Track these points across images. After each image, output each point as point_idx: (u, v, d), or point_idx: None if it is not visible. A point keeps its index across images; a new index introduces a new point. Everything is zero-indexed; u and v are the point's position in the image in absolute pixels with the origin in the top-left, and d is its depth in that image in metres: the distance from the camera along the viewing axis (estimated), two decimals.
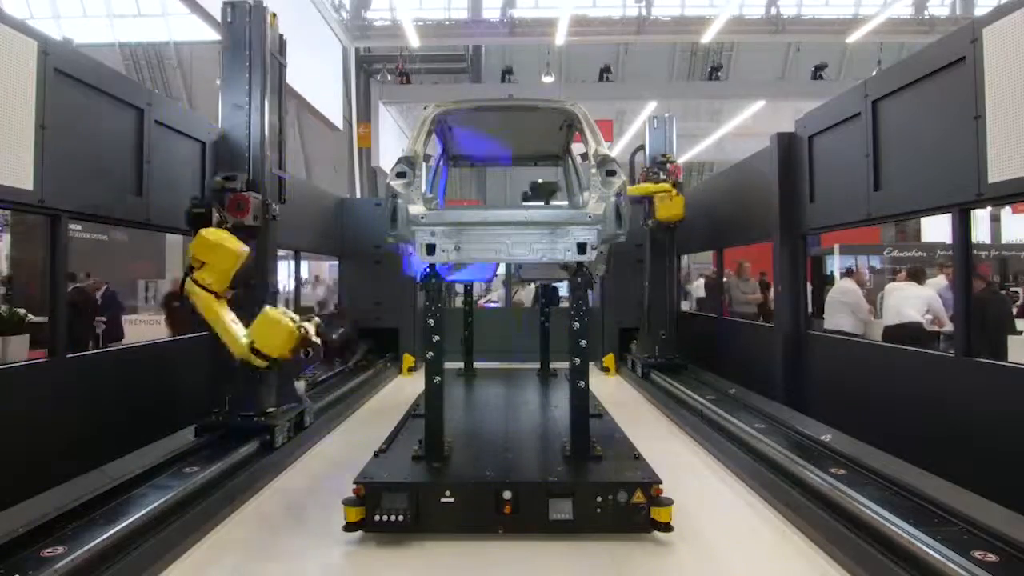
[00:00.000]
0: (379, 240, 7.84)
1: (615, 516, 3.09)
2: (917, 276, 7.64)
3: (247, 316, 3.95)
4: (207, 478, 3.46)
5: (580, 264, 3.60)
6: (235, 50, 4.60)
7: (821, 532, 3.05)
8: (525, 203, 7.39)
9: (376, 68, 17.51)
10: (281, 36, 4.82)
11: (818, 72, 16.76)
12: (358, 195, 15.32)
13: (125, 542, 2.72)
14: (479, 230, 3.50)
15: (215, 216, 4.09)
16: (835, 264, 12.08)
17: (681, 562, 2.97)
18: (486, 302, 13.48)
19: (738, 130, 18.05)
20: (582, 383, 3.59)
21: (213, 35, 11.43)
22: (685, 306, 10.82)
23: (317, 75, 13.58)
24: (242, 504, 3.60)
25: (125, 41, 21.90)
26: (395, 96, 17.03)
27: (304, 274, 15.81)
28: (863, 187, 4.61)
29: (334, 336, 6.11)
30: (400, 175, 3.59)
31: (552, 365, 6.71)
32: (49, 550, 2.50)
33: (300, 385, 5.02)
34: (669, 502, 3.08)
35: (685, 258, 9.64)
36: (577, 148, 4.95)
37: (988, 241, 15.68)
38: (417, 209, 3.48)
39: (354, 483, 3.12)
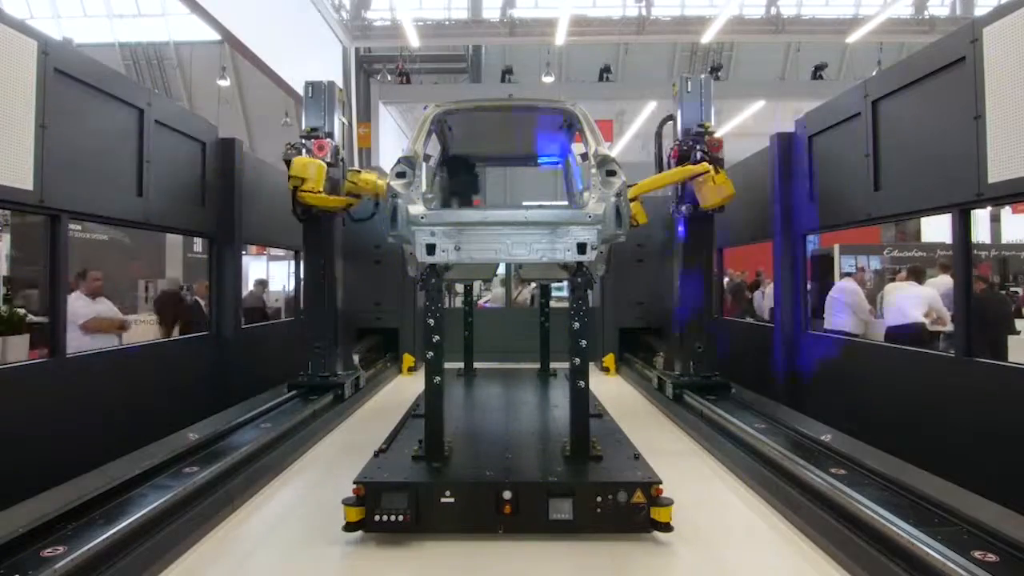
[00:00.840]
0: (379, 240, 7.84)
1: (615, 516, 3.09)
2: (917, 275, 7.63)
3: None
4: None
5: (580, 264, 3.60)
6: (316, 107, 6.19)
7: (821, 532, 3.05)
8: (525, 203, 7.32)
9: (376, 68, 17.51)
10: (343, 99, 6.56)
11: (818, 72, 16.77)
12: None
13: (125, 542, 2.72)
14: (479, 230, 3.50)
15: (304, 153, 5.60)
16: (835, 264, 12.09)
17: (681, 562, 2.97)
18: (485, 302, 13.48)
19: (738, 130, 18.04)
20: (582, 383, 3.58)
21: (213, 35, 11.44)
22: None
23: (317, 75, 13.57)
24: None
25: (125, 41, 21.91)
26: (395, 96, 17.03)
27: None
28: (863, 187, 4.61)
29: None
30: (400, 175, 3.59)
31: (552, 365, 6.71)
32: (49, 550, 2.50)
33: (356, 357, 6.92)
34: (669, 502, 3.08)
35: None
36: (577, 148, 4.95)
37: (988, 241, 15.69)
38: (417, 209, 3.48)
39: (354, 483, 3.12)
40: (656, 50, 21.12)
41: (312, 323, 6.15)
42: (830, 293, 7.76)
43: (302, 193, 5.47)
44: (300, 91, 12.58)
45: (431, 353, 3.60)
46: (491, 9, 17.49)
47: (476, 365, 6.92)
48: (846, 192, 4.90)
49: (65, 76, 3.82)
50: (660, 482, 3.12)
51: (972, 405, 3.62)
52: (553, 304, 7.47)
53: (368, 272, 8.45)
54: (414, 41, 14.72)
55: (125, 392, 4.35)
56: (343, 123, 6.44)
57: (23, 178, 3.47)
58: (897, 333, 6.96)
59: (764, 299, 10.69)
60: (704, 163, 5.54)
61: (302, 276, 6.99)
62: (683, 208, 5.88)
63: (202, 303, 8.37)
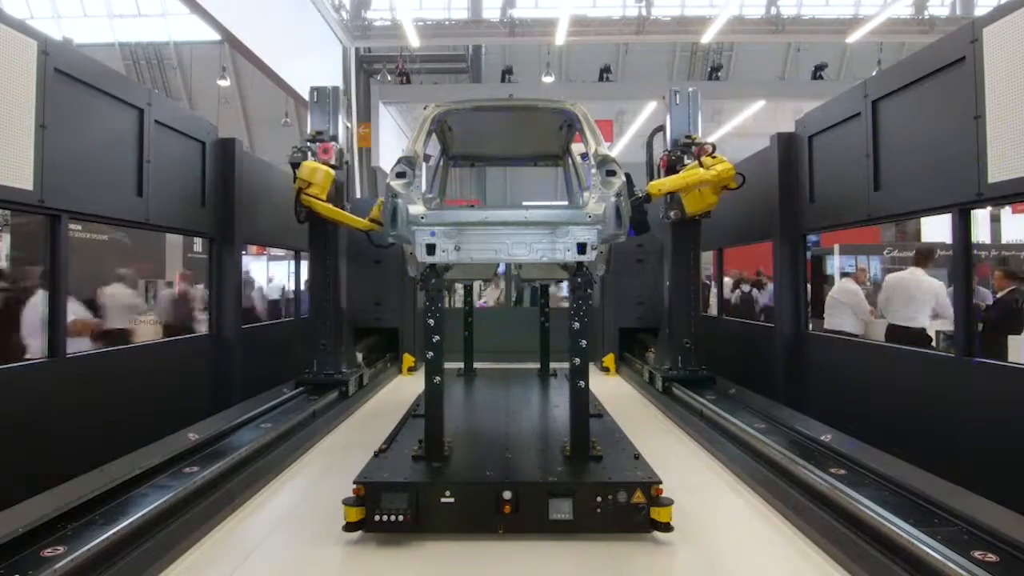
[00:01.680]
0: (379, 240, 7.85)
1: (615, 516, 3.09)
2: (923, 260, 7.01)
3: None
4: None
5: (580, 264, 3.60)
6: (321, 111, 6.42)
7: (821, 532, 3.05)
8: (525, 203, 7.31)
9: (376, 68, 17.50)
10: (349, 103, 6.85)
11: (818, 72, 16.76)
12: (358, 195, 15.32)
13: (125, 542, 2.72)
14: (479, 230, 3.50)
15: (310, 157, 5.85)
16: (835, 264, 12.08)
17: (681, 562, 2.97)
18: (483, 303, 13.48)
19: (738, 130, 18.04)
20: (582, 383, 3.58)
21: (213, 35, 11.44)
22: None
23: (317, 75, 13.58)
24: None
25: (125, 41, 21.92)
26: (395, 96, 17.00)
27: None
28: (863, 187, 4.61)
29: None
30: (400, 175, 3.59)
31: (552, 365, 6.71)
32: (49, 550, 2.50)
33: (359, 356, 7.21)
34: (669, 502, 3.08)
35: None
36: (577, 148, 4.95)
37: (988, 241, 15.68)
38: (417, 209, 3.48)
39: (354, 483, 3.12)
40: (656, 50, 21.12)
41: (317, 322, 6.33)
42: (830, 293, 7.73)
43: (305, 196, 5.69)
44: (300, 91, 12.63)
45: (431, 353, 3.60)
46: (491, 9, 17.48)
47: (476, 365, 6.92)
48: (846, 192, 4.90)
49: (65, 76, 3.82)
50: (660, 482, 3.12)
51: (972, 405, 3.62)
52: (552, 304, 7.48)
53: (368, 272, 8.45)
54: (414, 41, 14.71)
55: (125, 392, 4.35)
56: (347, 127, 6.64)
57: (23, 178, 3.47)
58: (900, 334, 6.82)
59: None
60: (724, 164, 5.55)
61: (306, 276, 7.10)
62: (672, 214, 6.26)
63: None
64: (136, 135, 4.59)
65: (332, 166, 5.91)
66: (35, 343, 5.28)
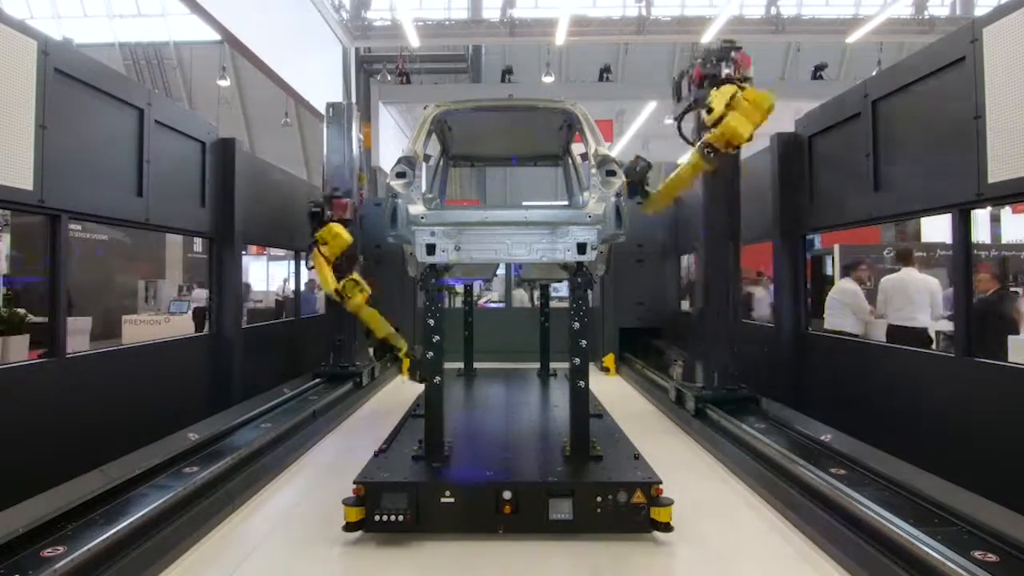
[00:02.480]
0: (379, 240, 7.84)
1: (615, 516, 3.09)
2: (908, 259, 7.16)
3: (340, 276, 5.97)
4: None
5: (580, 264, 3.60)
6: (337, 125, 7.03)
7: (821, 532, 3.05)
8: (525, 203, 7.33)
9: (376, 68, 17.49)
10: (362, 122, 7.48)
11: (818, 72, 16.75)
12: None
13: (125, 542, 2.72)
14: (479, 230, 3.50)
15: (326, 212, 6.26)
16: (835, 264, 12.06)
17: (681, 562, 2.97)
18: (486, 302, 13.48)
19: None
20: (582, 383, 3.58)
21: (213, 35, 11.43)
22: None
23: (317, 75, 13.58)
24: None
25: (125, 41, 21.91)
26: (395, 96, 17.01)
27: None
28: (863, 187, 4.61)
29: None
30: (400, 175, 3.59)
31: (552, 365, 6.71)
32: (49, 550, 2.50)
33: (370, 351, 7.30)
34: (669, 502, 3.08)
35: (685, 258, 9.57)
36: (577, 148, 4.94)
37: (988, 241, 15.67)
38: (417, 209, 3.48)
39: (354, 483, 3.12)
40: (656, 50, 21.10)
41: (333, 319, 7.00)
42: (830, 293, 7.72)
43: (317, 251, 6.05)
44: (300, 91, 12.62)
45: (431, 353, 3.60)
46: (491, 9, 17.47)
47: (476, 365, 6.92)
48: (846, 192, 4.90)
49: (65, 76, 3.82)
50: (660, 482, 3.12)
51: (972, 405, 3.62)
52: (553, 304, 7.48)
53: (368, 272, 8.45)
54: (414, 41, 14.71)
55: (125, 392, 4.34)
56: (359, 139, 7.23)
57: (23, 178, 3.47)
58: (900, 334, 6.86)
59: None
60: (728, 86, 4.37)
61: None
62: (709, 153, 4.30)
63: None
64: (136, 135, 4.58)
65: (345, 221, 6.44)
66: None
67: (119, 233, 12.25)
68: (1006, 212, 16.02)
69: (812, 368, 5.40)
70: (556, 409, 4.88)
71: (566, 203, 5.59)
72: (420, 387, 4.04)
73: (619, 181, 3.58)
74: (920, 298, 6.85)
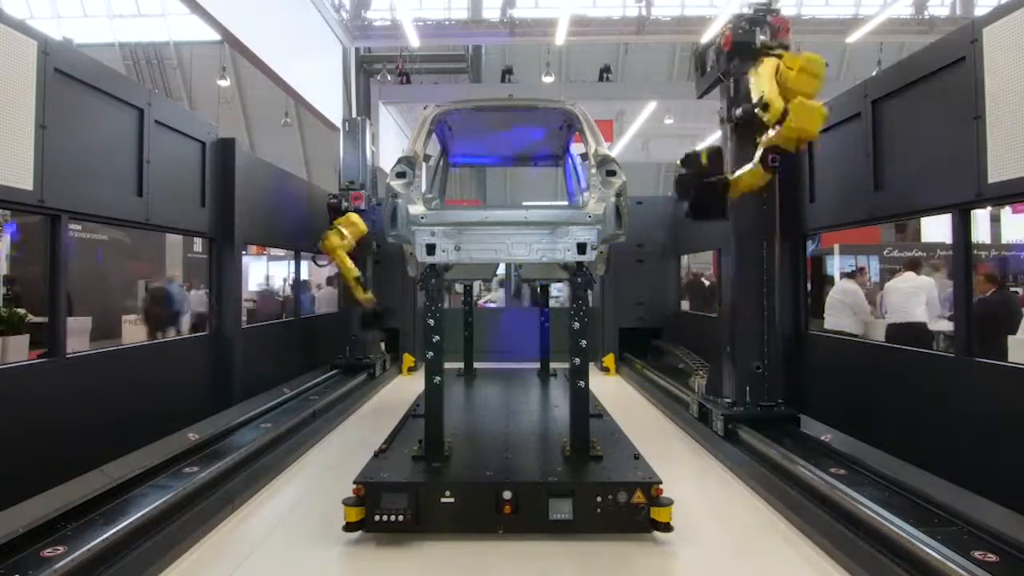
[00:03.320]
0: (379, 240, 7.84)
1: (615, 516, 3.09)
2: (915, 266, 7.49)
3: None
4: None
5: (580, 264, 3.60)
6: (352, 138, 7.96)
7: (821, 532, 3.05)
8: (525, 203, 7.36)
9: (376, 68, 17.48)
10: (373, 133, 8.42)
11: None
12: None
13: (125, 542, 2.72)
14: (479, 230, 3.50)
15: (343, 204, 7.31)
16: (835, 264, 12.07)
17: (681, 562, 2.97)
18: (485, 302, 13.48)
19: None
20: (582, 383, 3.58)
21: (213, 35, 11.43)
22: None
23: (317, 75, 13.57)
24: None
25: (125, 41, 21.90)
26: (395, 96, 17.00)
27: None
28: (863, 187, 4.61)
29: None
30: (400, 175, 3.59)
31: (552, 365, 6.72)
32: (49, 550, 2.50)
33: (381, 345, 8.51)
34: (669, 502, 3.08)
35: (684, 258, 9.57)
36: (577, 148, 4.95)
37: (988, 241, 15.67)
38: (417, 209, 3.48)
39: (354, 483, 3.12)
40: (656, 50, 21.09)
41: (349, 316, 7.64)
42: (830, 294, 7.73)
43: (331, 237, 6.89)
44: (300, 91, 12.60)
45: (431, 353, 3.60)
46: (491, 9, 17.46)
47: (476, 365, 6.92)
48: (846, 192, 4.90)
49: (65, 76, 3.82)
50: (660, 482, 3.12)
51: (972, 405, 3.62)
52: (553, 304, 7.49)
53: (368, 272, 8.45)
54: (414, 41, 14.70)
55: (125, 392, 4.34)
56: (373, 151, 8.05)
57: (23, 178, 3.47)
58: (898, 332, 6.91)
59: None
60: (772, 59, 3.92)
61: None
62: (757, 111, 3.85)
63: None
64: (136, 135, 4.58)
65: (361, 211, 7.34)
66: None
67: (119, 233, 12.24)
68: (1006, 212, 16.02)
69: (812, 368, 5.40)
70: (556, 409, 4.88)
71: (566, 203, 5.59)
72: (420, 387, 4.03)
73: (619, 181, 3.58)
74: (916, 295, 7.00)
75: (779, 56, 3.87)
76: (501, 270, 9.42)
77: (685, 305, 10.99)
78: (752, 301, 4.76)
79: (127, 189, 4.51)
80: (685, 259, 9.33)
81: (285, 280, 14.74)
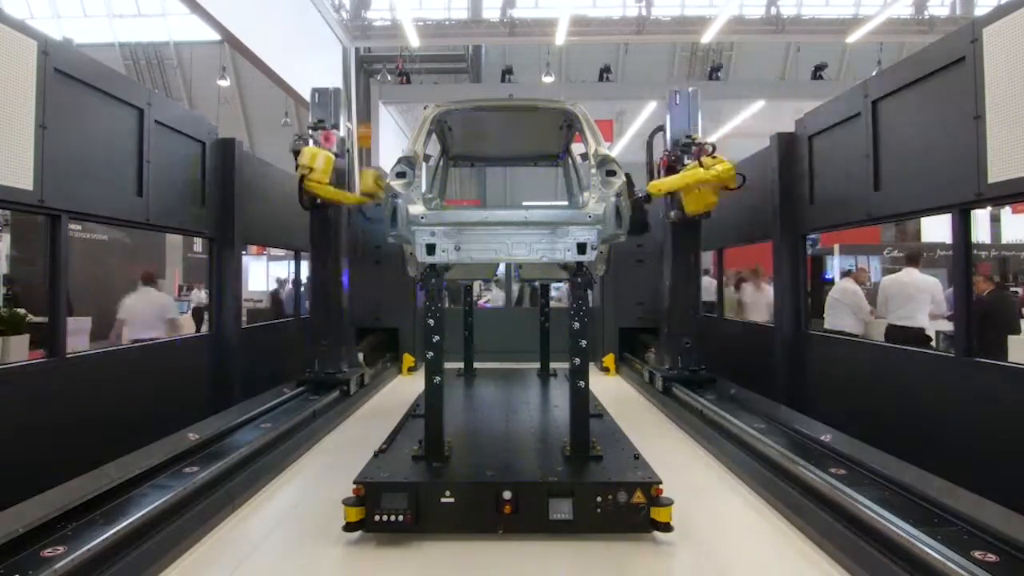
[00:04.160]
0: (379, 240, 7.84)
1: (615, 516, 3.09)
2: (915, 260, 7.30)
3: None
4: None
5: (580, 264, 3.60)
6: (323, 107, 6.53)
7: (821, 532, 3.05)
8: (525, 203, 7.36)
9: (376, 68, 17.50)
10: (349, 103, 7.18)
11: (818, 72, 16.75)
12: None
13: (125, 542, 2.72)
14: (479, 230, 3.50)
15: (311, 143, 5.92)
16: (835, 264, 12.08)
17: (681, 562, 2.97)
18: (484, 302, 13.48)
19: (738, 130, 18.02)
20: (582, 383, 3.58)
21: (213, 35, 11.44)
22: None
23: (317, 75, 13.58)
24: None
25: (125, 41, 21.91)
26: (395, 96, 17.00)
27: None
28: (863, 187, 4.61)
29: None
30: (400, 175, 3.59)
31: (552, 365, 6.71)
32: (49, 550, 2.50)
33: (360, 355, 7.14)
34: (669, 502, 3.08)
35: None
36: (577, 148, 4.95)
37: (988, 241, 15.68)
38: (417, 209, 3.48)
39: (354, 483, 3.12)
40: (656, 50, 21.10)
41: (318, 320, 6.26)
42: (830, 293, 7.73)
43: (308, 182, 5.66)
44: (300, 91, 12.60)
45: (431, 353, 3.60)
46: (491, 9, 17.47)
47: (476, 365, 6.92)
48: (846, 192, 4.90)
49: (65, 76, 3.82)
50: (660, 482, 3.12)
51: (972, 405, 3.62)
52: (553, 304, 7.49)
53: (368, 272, 8.45)
54: (414, 41, 14.71)
55: (125, 392, 4.34)
56: (348, 127, 6.75)
57: (23, 178, 3.47)
58: (898, 333, 6.88)
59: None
60: (724, 165, 5.46)
61: (307, 273, 7.13)
62: (672, 214, 6.37)
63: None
64: (136, 135, 4.58)
65: (335, 154, 5.97)
66: None
67: (119, 233, 12.25)
68: (1006, 212, 16.04)
69: (812, 368, 5.41)
70: (556, 409, 4.88)
71: (566, 203, 5.59)
72: (420, 387, 4.03)
73: (619, 181, 3.58)
74: (920, 297, 6.86)
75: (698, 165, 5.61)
76: (501, 270, 9.42)
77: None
78: (681, 296, 6.52)
79: (127, 189, 4.51)
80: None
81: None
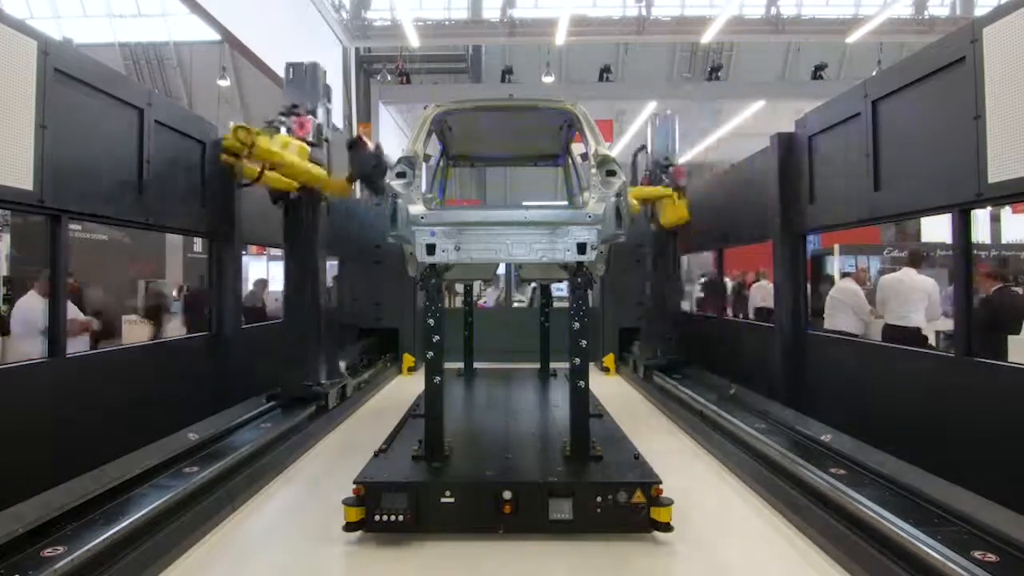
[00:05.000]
0: (379, 240, 7.84)
1: (615, 516, 3.09)
2: (915, 261, 7.45)
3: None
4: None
5: (580, 264, 3.60)
6: (298, 83, 5.97)
7: (821, 532, 3.05)
8: (525, 203, 7.38)
9: (376, 68, 17.51)
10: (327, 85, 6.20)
11: (818, 72, 16.76)
12: (358, 195, 15.30)
13: (125, 542, 2.72)
14: (479, 230, 3.50)
15: (283, 130, 5.23)
16: (835, 264, 12.09)
17: (681, 562, 2.97)
18: (484, 302, 13.49)
19: (738, 130, 18.04)
20: (582, 383, 3.58)
21: (213, 35, 11.44)
22: None
23: None
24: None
25: (125, 41, 21.90)
26: (395, 96, 17.02)
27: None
28: (863, 187, 4.61)
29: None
30: (400, 175, 3.59)
31: (552, 365, 6.71)
32: (49, 550, 2.50)
33: (342, 364, 6.37)
34: (669, 502, 3.08)
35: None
36: (577, 148, 4.95)
37: (988, 241, 15.68)
38: (417, 209, 3.48)
39: (354, 483, 3.12)
40: (656, 50, 21.10)
41: (292, 325, 5.60)
42: (830, 293, 7.74)
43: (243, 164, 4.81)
44: None
45: (431, 353, 3.59)
46: (491, 9, 17.48)
47: (476, 365, 6.92)
48: (846, 192, 4.90)
49: (65, 76, 3.82)
50: (660, 482, 3.12)
51: (972, 405, 3.62)
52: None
53: (368, 272, 8.45)
54: (414, 41, 14.72)
55: (125, 392, 4.34)
56: (328, 110, 6.02)
57: (23, 178, 3.47)
58: (895, 333, 6.91)
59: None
60: (667, 188, 7.00)
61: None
62: (651, 226, 7.38)
63: None
64: (136, 135, 4.58)
65: (309, 143, 5.34)
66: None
67: (119, 233, 12.25)
68: (1006, 212, 16.03)
69: (812, 369, 5.40)
70: (556, 409, 4.88)
71: (566, 203, 5.59)
72: (420, 387, 4.03)
73: (619, 181, 3.58)
74: (916, 298, 6.90)
75: (671, 191, 7.00)
76: (501, 270, 9.42)
77: (684, 305, 10.98)
78: (663, 295, 7.47)
79: (127, 189, 4.50)
80: (685, 259, 9.32)
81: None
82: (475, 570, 2.90)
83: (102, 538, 2.62)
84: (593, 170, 3.67)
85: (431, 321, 3.56)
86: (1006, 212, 16.09)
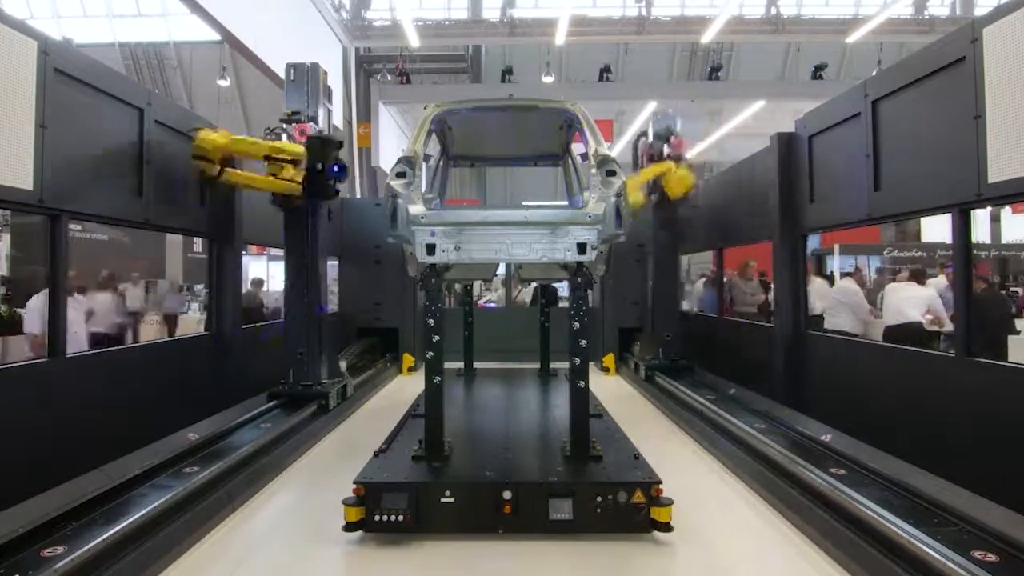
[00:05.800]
0: (379, 240, 7.84)
1: (615, 516, 3.09)
2: (918, 276, 7.63)
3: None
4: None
5: (580, 264, 3.60)
6: (299, 84, 6.09)
7: (821, 532, 3.05)
8: (525, 203, 7.42)
9: (376, 68, 17.49)
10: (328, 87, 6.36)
11: (818, 72, 16.76)
12: (358, 195, 15.31)
13: (125, 542, 2.72)
14: (479, 230, 3.50)
15: (284, 136, 5.50)
16: (835, 264, 12.09)
17: (681, 562, 2.97)
18: (485, 302, 13.48)
19: (738, 130, 18.03)
20: (582, 383, 3.58)
21: (213, 35, 11.44)
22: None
23: None
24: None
25: (125, 41, 21.89)
26: (395, 96, 17.01)
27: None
28: (863, 187, 4.61)
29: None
30: (400, 175, 3.59)
31: (552, 365, 6.71)
32: (49, 550, 2.50)
33: (343, 364, 6.53)
34: (669, 502, 3.08)
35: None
36: (577, 148, 4.95)
37: (988, 241, 15.68)
38: (417, 209, 3.48)
39: (354, 483, 3.12)
40: (656, 50, 21.09)
41: (293, 326, 5.68)
42: (831, 292, 7.77)
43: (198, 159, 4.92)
44: None
45: (431, 353, 3.59)
46: (491, 9, 17.48)
47: (476, 365, 6.92)
48: (846, 192, 4.90)
49: (65, 76, 3.82)
50: (660, 482, 3.12)
51: (972, 405, 3.62)
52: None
53: (368, 272, 8.45)
54: (414, 41, 14.71)
55: (125, 392, 4.34)
56: (328, 110, 6.16)
57: (23, 178, 3.47)
58: (895, 332, 6.97)
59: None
60: (666, 162, 6.84)
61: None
62: (652, 197, 7.09)
63: None
64: (136, 135, 4.58)
65: (292, 157, 5.44)
66: None
67: (119, 233, 12.25)
68: (1006, 212, 16.03)
69: (813, 369, 5.41)
70: (556, 409, 4.88)
71: (566, 203, 5.59)
72: (420, 387, 4.03)
73: (619, 181, 3.58)
74: (915, 302, 7.16)
75: (673, 163, 6.86)
76: (501, 270, 9.42)
77: (684, 305, 10.98)
78: (664, 295, 7.38)
79: (127, 189, 4.50)
80: (685, 259, 9.31)
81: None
82: (475, 570, 2.90)
83: (102, 538, 2.62)
84: (593, 170, 3.67)
85: (431, 321, 3.56)
86: (1006, 212, 16.08)
